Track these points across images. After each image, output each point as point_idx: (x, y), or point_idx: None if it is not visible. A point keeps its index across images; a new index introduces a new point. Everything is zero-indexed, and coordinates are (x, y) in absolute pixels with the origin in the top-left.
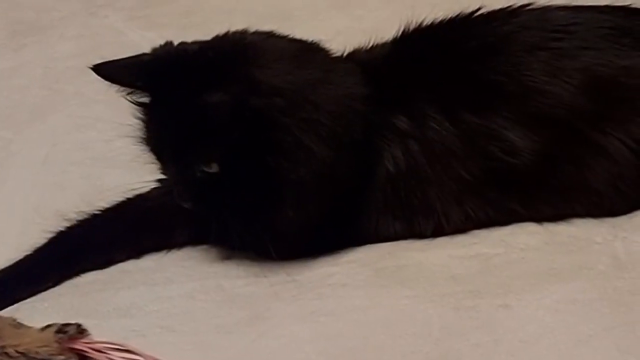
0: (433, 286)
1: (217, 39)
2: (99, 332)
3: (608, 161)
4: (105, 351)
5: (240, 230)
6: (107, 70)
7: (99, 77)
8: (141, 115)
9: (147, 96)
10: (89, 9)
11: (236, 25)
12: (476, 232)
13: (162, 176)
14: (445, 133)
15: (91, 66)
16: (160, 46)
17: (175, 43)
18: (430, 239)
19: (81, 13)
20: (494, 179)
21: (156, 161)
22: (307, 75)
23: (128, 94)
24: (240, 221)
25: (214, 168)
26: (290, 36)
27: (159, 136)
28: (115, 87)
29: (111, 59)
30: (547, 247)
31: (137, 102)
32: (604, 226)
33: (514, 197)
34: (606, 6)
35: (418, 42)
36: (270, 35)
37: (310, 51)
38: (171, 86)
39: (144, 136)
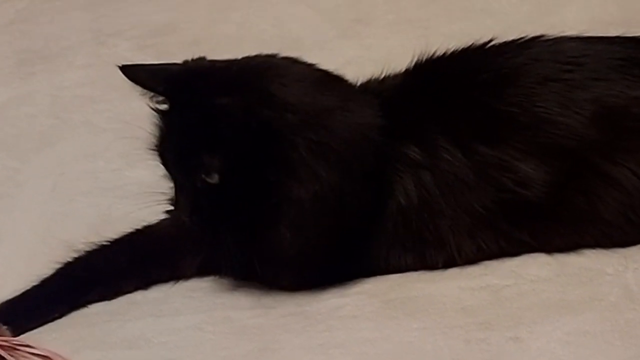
0: (443, 318)
1: (246, 58)
2: None
3: (619, 191)
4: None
5: (236, 250)
6: (133, 72)
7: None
8: (157, 122)
9: (165, 103)
10: (98, 38)
11: (246, 54)
12: (486, 263)
13: (171, 207)
14: (457, 164)
15: (119, 65)
16: (192, 59)
17: None
18: (441, 270)
19: (90, 42)
20: (506, 210)
21: (164, 170)
22: (325, 100)
23: (150, 98)
24: (236, 239)
25: (214, 179)
26: (316, 65)
27: (167, 143)
28: (137, 92)
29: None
30: (557, 278)
31: (156, 108)
32: (614, 257)
33: (525, 228)
34: (617, 37)
35: (431, 73)
36: (296, 60)
37: (332, 80)
38: (188, 94)
39: (156, 144)
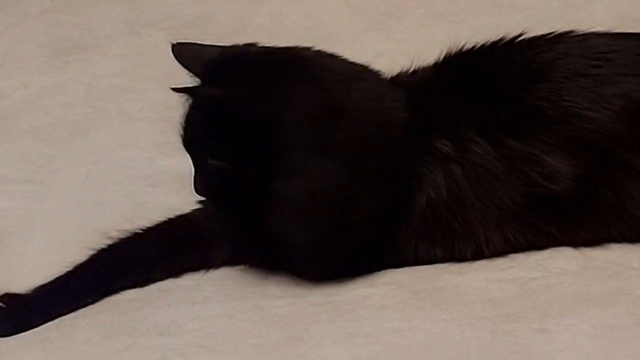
0: (470, 309)
1: (278, 50)
2: (138, 350)
3: None
4: None
5: (249, 236)
6: (181, 51)
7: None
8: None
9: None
10: (133, 29)
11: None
12: (513, 255)
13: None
14: (487, 158)
15: (174, 42)
16: (243, 44)
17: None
18: (468, 262)
19: (124, 32)
20: (534, 204)
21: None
22: (343, 97)
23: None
24: (246, 225)
25: (217, 164)
26: (349, 59)
27: (187, 125)
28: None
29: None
30: (584, 271)
31: (188, 88)
32: None
33: (552, 221)
34: None
35: (461, 66)
36: (328, 55)
37: (360, 75)
38: (212, 79)
39: (181, 125)
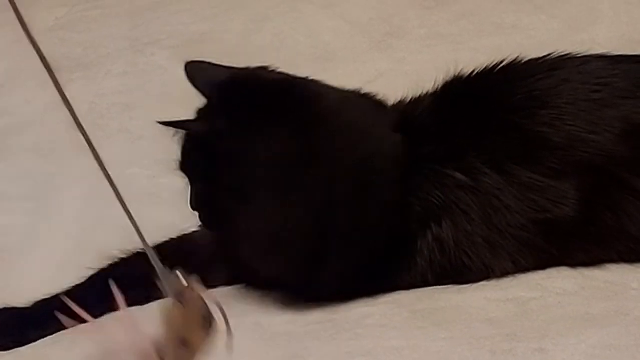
0: (470, 329)
1: (282, 80)
2: None
3: None
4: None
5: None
6: (193, 70)
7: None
8: None
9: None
10: (136, 47)
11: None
12: (513, 275)
13: None
14: (498, 187)
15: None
16: (256, 67)
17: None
18: None
19: (127, 50)
20: (541, 228)
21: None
22: (326, 142)
23: None
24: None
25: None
26: (354, 89)
27: (181, 149)
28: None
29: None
30: (583, 292)
31: (173, 123)
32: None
33: (556, 244)
34: None
35: (463, 94)
36: (330, 89)
37: (356, 109)
38: (213, 106)
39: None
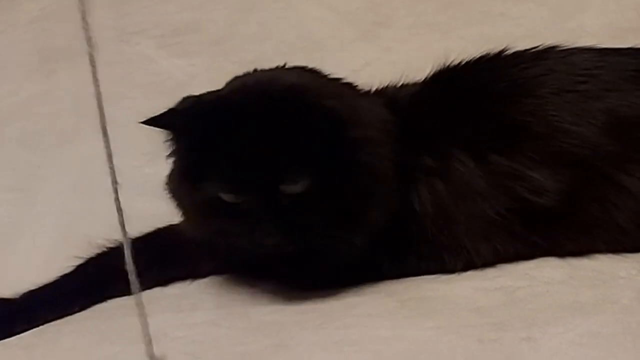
0: (457, 318)
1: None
2: (124, 357)
3: (631, 200)
4: None
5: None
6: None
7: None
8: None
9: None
10: (120, 37)
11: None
12: (500, 265)
13: None
14: (470, 173)
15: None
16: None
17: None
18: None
19: (112, 40)
20: (520, 216)
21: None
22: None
23: None
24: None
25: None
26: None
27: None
28: None
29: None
30: (571, 280)
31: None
32: (627, 261)
33: (539, 232)
34: (630, 48)
35: (448, 82)
36: (312, 73)
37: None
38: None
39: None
